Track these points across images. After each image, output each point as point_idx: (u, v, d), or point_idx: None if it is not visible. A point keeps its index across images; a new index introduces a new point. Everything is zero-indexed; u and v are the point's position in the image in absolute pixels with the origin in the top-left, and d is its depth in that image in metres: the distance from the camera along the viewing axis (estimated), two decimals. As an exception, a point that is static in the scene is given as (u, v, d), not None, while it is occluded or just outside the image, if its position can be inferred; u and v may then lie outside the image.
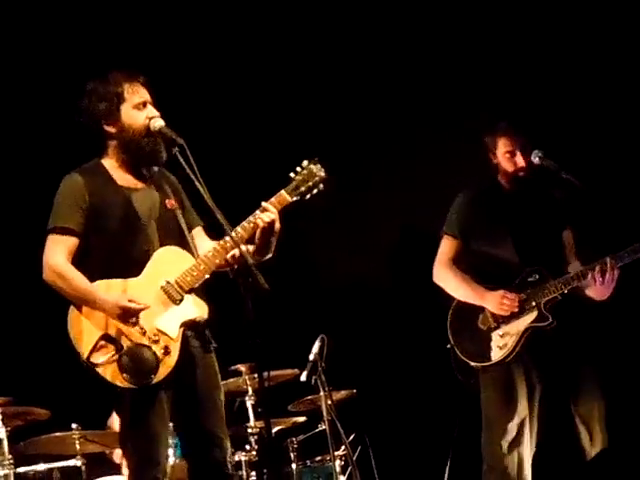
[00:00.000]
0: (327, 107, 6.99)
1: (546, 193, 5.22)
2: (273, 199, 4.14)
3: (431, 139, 6.76)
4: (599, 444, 4.96)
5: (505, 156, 5.16)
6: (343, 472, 6.06)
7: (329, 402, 5.77)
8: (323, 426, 5.90)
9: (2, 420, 5.43)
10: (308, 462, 6.26)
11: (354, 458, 5.80)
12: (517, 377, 5.05)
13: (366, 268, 7.35)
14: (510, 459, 5.02)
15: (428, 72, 6.82)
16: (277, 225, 4.09)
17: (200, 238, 4.29)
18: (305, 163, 4.16)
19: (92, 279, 4.07)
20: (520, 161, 5.12)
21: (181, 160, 4.04)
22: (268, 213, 4.08)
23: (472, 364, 5.12)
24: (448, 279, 5.24)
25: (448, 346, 5.19)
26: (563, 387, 5.02)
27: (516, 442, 5.01)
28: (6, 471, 5.38)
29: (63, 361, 4.21)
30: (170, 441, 4.87)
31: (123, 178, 4.22)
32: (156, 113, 4.19)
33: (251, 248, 4.11)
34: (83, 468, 5.65)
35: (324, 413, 5.81)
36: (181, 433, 4.31)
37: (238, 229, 4.06)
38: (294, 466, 6.13)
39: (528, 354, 5.05)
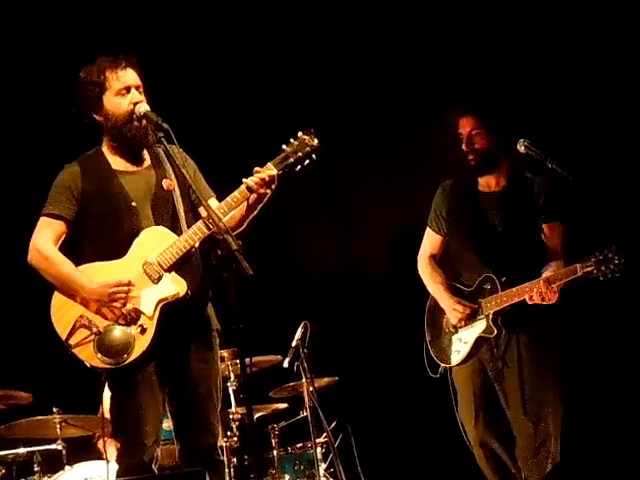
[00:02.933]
0: (313, 83, 6.97)
1: (522, 187, 4.99)
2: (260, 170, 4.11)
3: (422, 121, 6.71)
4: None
5: (460, 139, 4.97)
6: (324, 459, 6.08)
7: (311, 389, 5.77)
8: (305, 413, 5.92)
9: (-17, 404, 5.44)
10: (289, 449, 6.27)
11: (335, 445, 5.81)
12: (475, 377, 5.03)
13: (349, 255, 7.36)
14: (477, 450, 5.04)
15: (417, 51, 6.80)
16: (261, 190, 4.03)
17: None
18: (300, 134, 4.14)
19: (82, 262, 4.13)
20: (464, 146, 4.95)
21: (166, 146, 4.09)
22: (253, 178, 4.04)
23: (439, 363, 5.14)
24: (423, 274, 5.22)
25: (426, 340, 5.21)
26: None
27: (483, 435, 5.01)
28: (-14, 454, 5.41)
29: (45, 345, 4.22)
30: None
31: (118, 162, 4.25)
32: (139, 97, 4.17)
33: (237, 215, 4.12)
34: (64, 452, 5.65)
35: (306, 400, 5.82)
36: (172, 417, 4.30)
37: (222, 205, 4.07)
38: (275, 453, 6.13)
39: (487, 353, 4.99)
